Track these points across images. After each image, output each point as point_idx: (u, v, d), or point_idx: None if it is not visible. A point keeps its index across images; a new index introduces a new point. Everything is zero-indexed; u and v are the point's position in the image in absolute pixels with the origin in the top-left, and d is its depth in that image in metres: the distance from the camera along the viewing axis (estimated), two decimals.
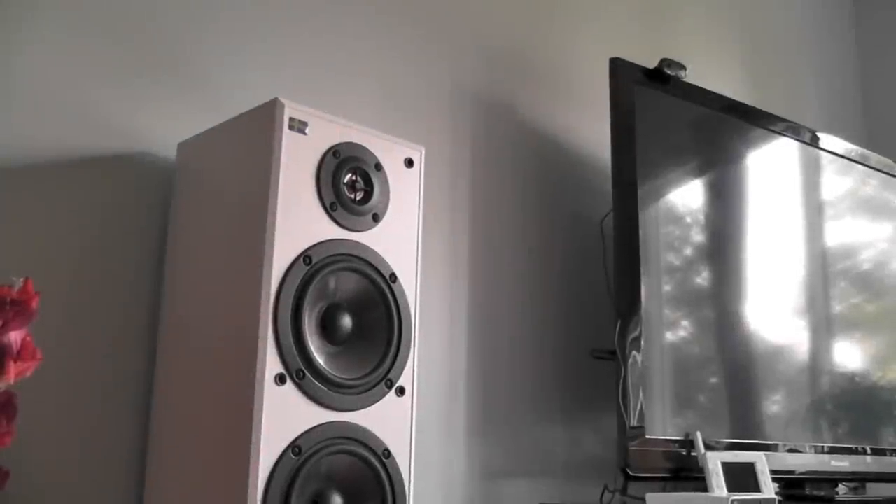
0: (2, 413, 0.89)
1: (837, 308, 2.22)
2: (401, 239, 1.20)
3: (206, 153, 1.29)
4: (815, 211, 2.22)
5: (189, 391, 1.20)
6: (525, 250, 1.93)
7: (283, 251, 1.08)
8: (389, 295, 1.16)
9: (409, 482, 1.15)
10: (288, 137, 1.12)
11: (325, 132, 1.16)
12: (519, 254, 1.92)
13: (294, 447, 1.05)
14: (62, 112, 1.30)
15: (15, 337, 0.90)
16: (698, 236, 1.95)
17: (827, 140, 2.26)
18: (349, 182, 1.17)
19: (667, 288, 1.84)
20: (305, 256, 1.09)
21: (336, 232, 1.13)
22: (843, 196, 2.32)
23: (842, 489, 2.05)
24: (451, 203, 1.81)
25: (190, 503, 1.15)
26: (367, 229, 1.16)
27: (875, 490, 2.21)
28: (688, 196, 1.96)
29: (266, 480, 1.03)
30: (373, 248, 1.16)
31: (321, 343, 1.10)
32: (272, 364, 1.04)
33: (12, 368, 0.89)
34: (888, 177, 2.40)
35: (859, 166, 2.34)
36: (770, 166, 2.13)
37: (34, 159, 1.27)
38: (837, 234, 2.26)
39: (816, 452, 1.98)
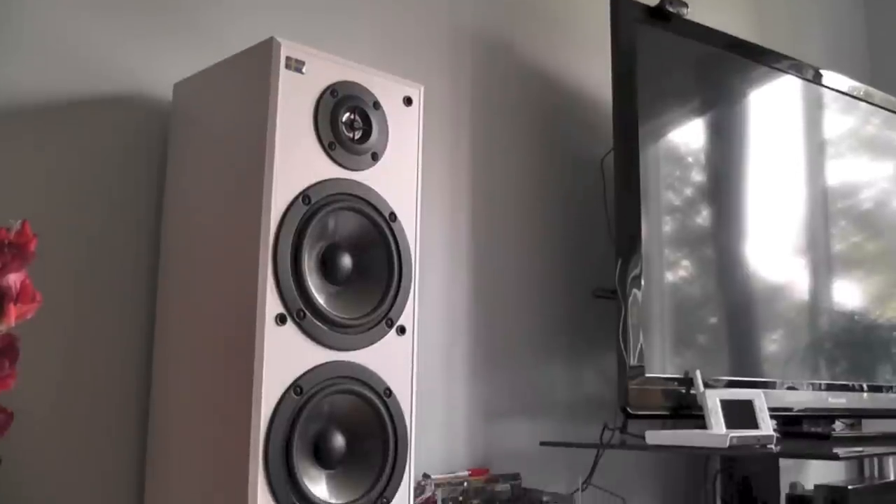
0: (3, 356, 0.89)
1: (837, 247, 2.22)
2: (400, 178, 1.20)
3: (202, 94, 1.28)
4: (816, 150, 2.21)
5: (190, 334, 1.20)
6: (525, 189, 1.92)
7: (282, 191, 1.07)
8: (389, 234, 1.15)
9: (411, 421, 1.16)
10: (285, 77, 1.10)
11: (323, 71, 1.14)
12: (519, 192, 1.91)
13: (296, 387, 1.05)
14: (57, 54, 1.28)
15: (14, 280, 0.90)
16: (699, 176, 1.94)
17: (830, 78, 2.24)
18: (347, 121, 1.15)
19: (667, 228, 1.83)
20: (304, 196, 1.08)
21: (335, 171, 1.12)
22: (846, 135, 2.30)
23: (838, 425, 2.07)
24: (451, 142, 1.79)
25: (193, 444, 1.16)
26: (366, 168, 1.16)
27: (871, 426, 2.23)
28: (689, 135, 1.94)
29: (268, 421, 1.03)
30: (372, 187, 1.15)
31: (321, 283, 1.10)
32: (272, 304, 1.04)
33: (12, 311, 0.89)
34: (891, 114, 2.38)
35: (863, 104, 2.32)
36: (772, 105, 2.11)
37: (28, 102, 1.25)
38: (839, 172, 2.25)
39: (814, 390, 2.00)
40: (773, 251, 2.04)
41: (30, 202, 1.23)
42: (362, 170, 1.15)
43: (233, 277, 1.11)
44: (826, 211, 2.20)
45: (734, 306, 1.94)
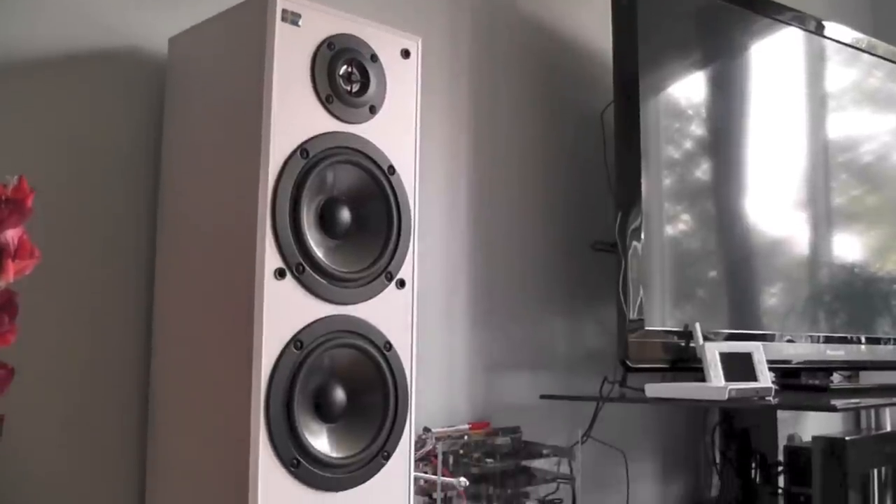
0: (3, 311, 0.89)
1: (837, 200, 2.22)
2: (398, 131, 1.19)
3: (197, 48, 1.26)
4: (818, 103, 2.19)
5: (189, 290, 1.20)
6: (525, 141, 1.91)
7: (280, 145, 1.06)
8: (388, 187, 1.15)
9: (411, 374, 1.16)
10: (281, 30, 1.09)
11: (319, 24, 1.13)
12: (519, 144, 1.90)
13: (296, 341, 1.05)
14: (51, 8, 1.27)
15: (12, 235, 0.89)
16: (699, 129, 1.93)
17: (833, 29, 2.21)
18: (345, 74, 1.14)
19: (667, 182, 1.83)
20: (302, 150, 1.08)
21: (333, 125, 1.12)
22: (848, 87, 2.28)
23: (836, 378, 2.08)
24: (450, 95, 1.78)
25: (194, 401, 1.16)
26: (364, 121, 1.15)
27: (868, 378, 2.24)
28: (690, 88, 1.93)
29: (269, 376, 1.03)
30: (370, 140, 1.14)
31: (320, 237, 1.09)
32: (271, 259, 1.04)
33: (11, 267, 0.88)
34: (895, 66, 2.36)
35: (865, 56, 2.30)
36: (774, 57, 2.09)
37: (22, 57, 1.24)
38: (840, 126, 2.24)
39: (813, 342, 2.01)
40: (774, 205, 2.03)
41: (25, 158, 1.22)
42: (360, 123, 1.14)
43: (231, 232, 1.10)
44: (827, 164, 2.20)
45: (734, 260, 1.94)
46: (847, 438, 1.47)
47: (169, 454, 1.22)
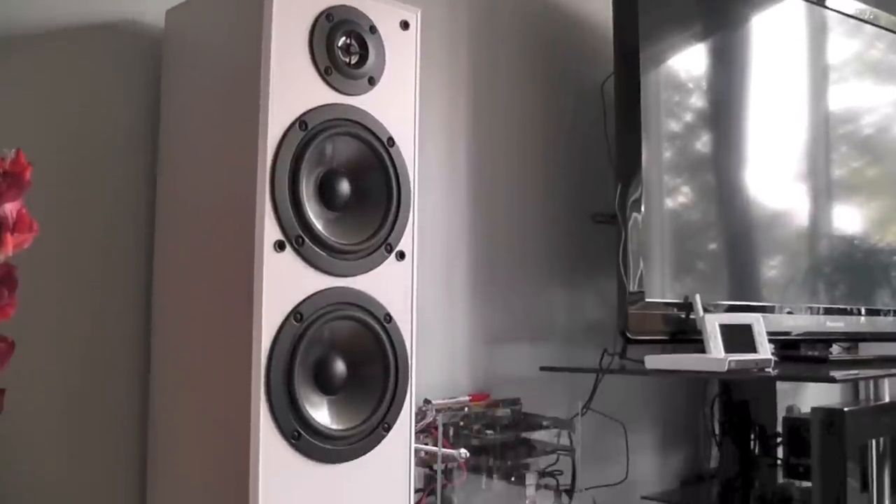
0: (2, 285, 0.88)
1: (838, 172, 2.21)
2: (398, 103, 1.18)
3: (195, 20, 1.25)
4: (819, 74, 2.18)
5: (189, 264, 1.20)
6: (524, 112, 1.90)
7: (278, 117, 1.06)
8: (387, 159, 1.14)
9: (411, 346, 1.17)
10: (279, 1, 1.08)
11: None
12: (518, 116, 1.89)
13: (296, 314, 1.05)
14: None
15: (10, 209, 0.89)
16: (700, 101, 1.93)
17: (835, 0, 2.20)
18: (343, 46, 1.13)
19: (667, 154, 1.82)
20: (301, 122, 1.07)
21: (331, 97, 1.11)
22: (850, 59, 2.27)
23: (836, 349, 2.09)
24: (449, 67, 1.77)
25: (194, 375, 1.17)
26: (363, 93, 1.14)
27: (868, 349, 2.25)
28: (690, 60, 1.92)
29: (269, 348, 1.03)
30: (369, 112, 1.14)
31: (319, 209, 1.09)
32: (271, 231, 1.04)
33: (9, 240, 0.88)
34: None
35: (868, 27, 2.28)
36: (776, 28, 2.08)
37: (17, 29, 1.23)
38: (842, 97, 2.23)
39: (812, 314, 2.01)
40: (774, 177, 2.03)
41: (21, 132, 1.22)
42: (359, 95, 1.14)
43: (230, 206, 1.10)
44: (827, 136, 2.19)
45: (734, 232, 1.94)
46: (846, 409, 1.47)
47: (169, 427, 1.22)
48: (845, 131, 2.24)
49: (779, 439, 2.09)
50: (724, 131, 1.95)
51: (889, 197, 2.34)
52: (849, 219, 2.22)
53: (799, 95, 2.13)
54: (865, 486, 1.70)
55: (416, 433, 1.22)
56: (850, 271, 2.18)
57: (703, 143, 1.92)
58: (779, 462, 2.10)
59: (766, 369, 1.62)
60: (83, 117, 1.28)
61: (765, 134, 2.01)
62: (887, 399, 1.75)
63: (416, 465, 1.33)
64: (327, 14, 1.12)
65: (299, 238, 1.05)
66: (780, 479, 2.07)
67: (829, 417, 1.47)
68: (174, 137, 1.27)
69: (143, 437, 1.28)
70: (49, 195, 1.20)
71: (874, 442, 1.73)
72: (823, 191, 2.16)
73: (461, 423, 1.55)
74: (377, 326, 1.12)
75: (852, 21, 2.24)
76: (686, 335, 1.71)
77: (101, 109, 1.30)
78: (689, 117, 1.89)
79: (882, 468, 1.74)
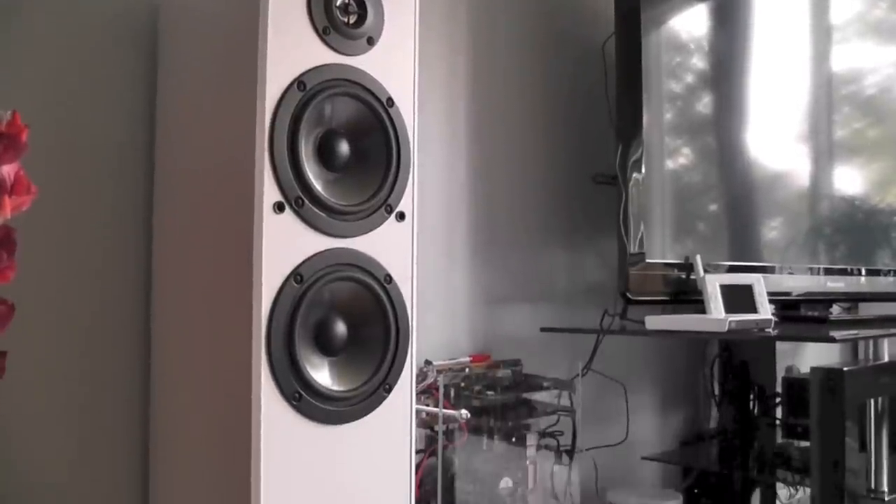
0: (1, 248, 0.88)
1: (839, 133, 2.20)
2: (397, 63, 1.17)
3: None
4: (822, 34, 2.16)
5: (188, 229, 1.20)
6: (525, 72, 1.89)
7: (276, 78, 1.05)
8: (387, 119, 1.13)
9: (411, 307, 1.16)
10: None
11: None
12: (519, 76, 1.88)
13: (296, 275, 1.05)
14: None
15: (8, 171, 0.88)
16: (701, 63, 1.91)
17: None
18: (342, 5, 1.12)
19: (668, 115, 1.81)
20: (299, 82, 1.06)
21: (330, 57, 1.10)
22: (853, 19, 2.25)
23: (836, 309, 2.09)
24: (449, 27, 1.75)
25: (195, 337, 1.17)
26: (362, 53, 1.12)
27: (867, 309, 2.25)
28: (691, 21, 1.90)
29: (269, 310, 1.03)
30: (368, 72, 1.12)
31: (319, 170, 1.08)
32: (270, 192, 1.03)
33: (7, 203, 0.87)
34: None
35: None
36: None
37: None
38: (844, 58, 2.21)
39: (813, 274, 2.01)
40: (775, 138, 2.02)
41: (16, 95, 1.21)
42: (358, 55, 1.12)
43: (229, 168, 1.09)
44: (829, 97, 2.18)
45: (735, 193, 1.94)
46: (845, 369, 1.48)
47: (171, 392, 1.23)
48: (847, 92, 2.22)
49: (778, 399, 2.10)
50: (725, 92, 1.94)
51: (890, 158, 2.33)
52: (850, 180, 2.21)
53: (801, 56, 2.11)
54: (864, 445, 1.71)
55: (417, 394, 1.22)
56: (851, 232, 2.17)
57: (704, 104, 1.91)
58: (778, 422, 2.11)
59: (767, 329, 1.63)
60: (80, 81, 1.27)
61: (766, 95, 2.00)
62: (886, 359, 1.75)
63: (418, 426, 1.33)
64: None
65: (299, 199, 1.05)
66: (779, 439, 2.08)
67: (828, 377, 1.48)
68: (172, 100, 1.26)
69: (145, 403, 1.29)
70: (46, 157, 1.19)
71: (872, 402, 1.74)
72: (825, 152, 2.15)
73: (462, 384, 1.55)
74: (377, 287, 1.12)
75: None
76: (686, 296, 1.71)
77: (98, 73, 1.29)
78: (690, 78, 1.88)
79: (880, 428, 1.75)
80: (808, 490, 1.55)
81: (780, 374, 2.10)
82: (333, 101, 1.10)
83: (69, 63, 1.26)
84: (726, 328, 1.56)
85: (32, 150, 0.87)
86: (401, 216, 1.15)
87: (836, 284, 2.06)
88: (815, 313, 1.96)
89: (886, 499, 1.66)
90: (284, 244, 1.04)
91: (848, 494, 1.44)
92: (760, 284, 1.70)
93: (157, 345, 1.26)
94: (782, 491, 2.17)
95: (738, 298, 1.66)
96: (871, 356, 1.85)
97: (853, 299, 2.18)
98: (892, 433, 1.76)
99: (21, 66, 1.22)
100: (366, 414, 1.12)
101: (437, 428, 1.44)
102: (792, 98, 2.08)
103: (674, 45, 1.85)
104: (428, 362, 1.52)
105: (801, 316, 1.94)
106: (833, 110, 2.19)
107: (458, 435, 1.49)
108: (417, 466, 1.36)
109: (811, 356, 2.40)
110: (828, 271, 2.05)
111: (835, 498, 1.44)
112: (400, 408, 1.15)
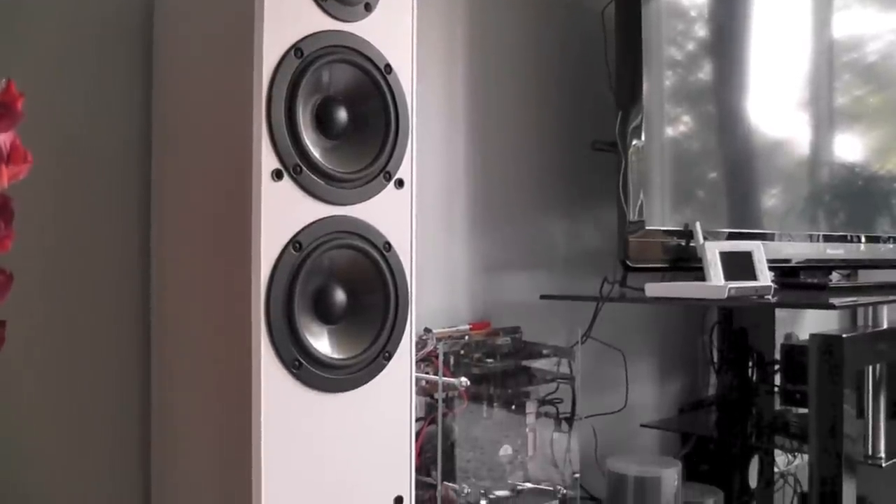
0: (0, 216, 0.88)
1: (840, 100, 2.19)
2: (395, 29, 1.15)
3: None
4: (823, 1, 2.15)
5: (186, 199, 1.19)
6: (524, 38, 1.88)
7: (273, 44, 1.04)
8: (385, 86, 1.13)
9: (411, 275, 1.16)
10: None
11: None
12: (518, 42, 1.87)
13: (295, 243, 1.04)
14: None
15: (4, 140, 0.88)
16: (702, 30, 1.90)
17: None
18: None
19: (668, 82, 1.80)
20: (296, 49, 1.05)
21: (327, 23, 1.08)
22: None
23: (835, 276, 2.09)
24: None
25: (194, 307, 1.17)
26: (360, 19, 1.11)
27: (867, 276, 2.25)
28: None
29: (268, 278, 1.03)
30: (366, 38, 1.11)
31: (317, 137, 1.08)
32: (268, 160, 1.02)
33: (4, 172, 0.87)
34: None
35: None
36: None
37: None
38: (845, 25, 2.19)
39: (812, 241, 2.01)
40: (776, 105, 2.01)
41: (11, 65, 1.20)
42: (355, 21, 1.11)
43: (227, 136, 1.08)
44: (831, 64, 2.16)
45: (735, 160, 1.93)
46: (844, 336, 1.48)
47: (171, 363, 1.23)
48: (849, 59, 2.21)
49: (777, 366, 2.11)
50: (725, 59, 1.93)
51: (891, 125, 2.32)
52: (850, 147, 2.20)
53: (802, 23, 2.10)
54: (861, 412, 1.72)
55: (416, 362, 1.22)
56: (851, 199, 2.17)
57: (704, 71, 1.89)
58: (776, 389, 2.12)
59: (766, 296, 1.63)
60: (75, 53, 1.26)
61: (767, 62, 1.99)
62: (885, 325, 1.76)
63: (417, 393, 1.34)
64: None
65: (297, 167, 1.04)
66: (778, 406, 2.09)
67: (826, 343, 1.48)
68: (169, 71, 1.25)
69: (145, 374, 1.29)
70: (42, 130, 1.18)
71: (870, 368, 1.75)
72: (825, 119, 2.15)
73: (462, 352, 1.55)
74: (376, 255, 1.12)
75: None
76: (686, 263, 1.71)
77: (93, 45, 1.28)
78: (690, 45, 1.87)
79: (878, 394, 1.76)
80: (805, 456, 1.55)
81: (779, 341, 2.10)
82: (331, 67, 1.09)
83: (65, 31, 1.25)
84: (726, 295, 1.56)
85: (27, 113, 0.86)
86: (399, 183, 1.15)
87: (836, 251, 2.06)
88: (815, 280, 1.96)
89: (883, 464, 1.67)
90: (283, 212, 1.04)
91: (845, 460, 1.45)
92: (760, 251, 1.70)
93: (156, 315, 1.26)
94: (780, 457, 2.19)
95: (738, 265, 1.66)
96: (869, 323, 1.85)
97: (852, 266, 2.19)
98: (889, 399, 1.77)
99: (12, 39, 1.21)
100: (366, 382, 1.12)
101: (436, 396, 1.44)
102: (793, 65, 2.07)
103: (674, 11, 1.83)
104: (427, 330, 1.52)
105: (800, 283, 1.94)
106: (834, 77, 2.18)
107: (458, 403, 1.50)
108: (417, 434, 1.36)
109: (810, 323, 2.40)
110: (827, 238, 2.05)
111: (832, 464, 1.45)
112: (399, 375, 1.16)
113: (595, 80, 1.88)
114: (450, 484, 1.47)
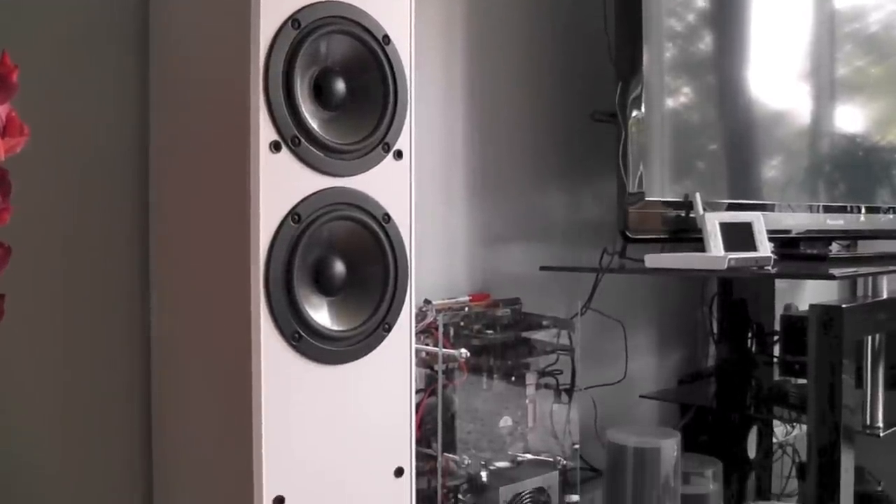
0: None
1: (842, 71, 2.18)
2: (393, 0, 1.15)
3: None
4: None
5: (184, 173, 1.19)
6: (523, 8, 1.86)
7: (270, 15, 1.03)
8: (383, 57, 1.12)
9: (410, 246, 1.16)
10: None
11: None
12: (517, 11, 1.85)
13: (293, 215, 1.04)
14: None
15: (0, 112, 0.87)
16: (702, 0, 1.88)
17: None
18: None
19: (668, 53, 1.79)
20: (294, 20, 1.04)
21: None
22: None
23: (835, 247, 2.09)
24: None
25: (194, 281, 1.17)
26: None
27: (867, 247, 2.25)
28: None
29: (267, 250, 1.03)
30: (364, 9, 1.10)
31: (315, 108, 1.07)
32: (266, 131, 1.02)
33: (1, 144, 0.87)
34: None
35: None
36: None
37: None
38: None
39: (812, 212, 2.01)
40: (776, 76, 2.00)
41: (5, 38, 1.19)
42: None
43: (224, 109, 1.08)
44: (832, 34, 2.15)
45: (735, 131, 1.92)
46: (843, 306, 1.48)
47: (170, 337, 1.23)
48: (851, 29, 2.20)
49: (776, 337, 2.11)
50: (726, 30, 1.92)
51: (892, 96, 2.31)
52: (851, 118, 2.20)
53: None
54: (860, 382, 1.72)
55: (416, 333, 1.23)
56: (851, 170, 2.17)
57: (705, 41, 1.88)
58: (775, 360, 2.12)
59: (766, 267, 1.63)
60: (71, 26, 1.25)
61: (768, 33, 1.98)
62: (885, 296, 1.76)
63: (417, 365, 1.34)
64: None
65: (295, 138, 1.04)
66: (777, 377, 2.10)
67: (826, 314, 1.48)
68: (165, 45, 1.24)
69: (145, 350, 1.29)
70: (38, 104, 1.18)
71: (869, 339, 1.75)
72: (826, 89, 2.14)
73: (461, 323, 1.56)
74: (375, 226, 1.12)
75: None
76: (686, 234, 1.71)
77: (91, 19, 1.27)
78: (691, 16, 1.85)
79: (877, 365, 1.76)
80: (804, 427, 1.56)
81: (779, 312, 2.11)
82: (329, 39, 1.08)
83: (63, 18, 1.24)
84: (725, 266, 1.56)
85: (22, 87, 0.85)
86: (398, 154, 1.14)
87: (836, 222, 2.06)
88: (815, 251, 1.96)
89: (881, 434, 1.68)
90: (281, 184, 1.04)
91: (843, 430, 1.45)
92: (760, 222, 1.69)
93: (156, 292, 1.26)
94: (779, 428, 2.20)
95: (738, 236, 1.66)
96: (869, 293, 1.85)
97: (852, 237, 2.18)
98: (888, 370, 1.78)
99: (8, 20, 1.20)
100: (365, 353, 1.12)
101: (436, 367, 1.45)
102: (794, 36, 2.06)
103: None
104: (427, 301, 1.52)
105: (800, 254, 1.94)
106: (835, 48, 2.17)
107: (458, 374, 1.50)
108: (418, 406, 1.37)
109: (810, 294, 2.40)
110: (827, 209, 2.05)
111: (831, 434, 1.46)
112: (399, 347, 1.16)
113: (594, 49, 1.87)
114: (450, 455, 1.48)
